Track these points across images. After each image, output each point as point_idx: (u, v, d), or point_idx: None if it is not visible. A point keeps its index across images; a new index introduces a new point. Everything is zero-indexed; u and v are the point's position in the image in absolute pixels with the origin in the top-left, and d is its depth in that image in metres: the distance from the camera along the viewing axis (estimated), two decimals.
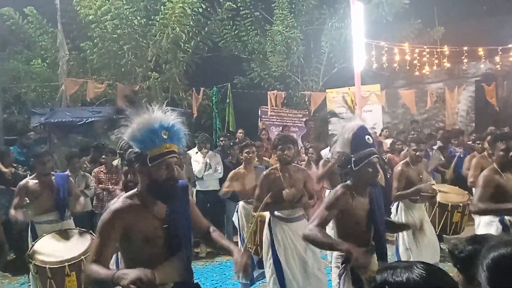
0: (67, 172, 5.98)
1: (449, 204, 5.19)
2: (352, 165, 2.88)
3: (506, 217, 3.98)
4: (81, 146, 8.36)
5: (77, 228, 4.65)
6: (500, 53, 10.58)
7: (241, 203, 5.35)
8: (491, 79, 12.08)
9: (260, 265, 4.87)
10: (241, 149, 5.58)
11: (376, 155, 2.91)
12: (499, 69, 11.19)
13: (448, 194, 5.45)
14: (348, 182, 2.98)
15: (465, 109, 13.27)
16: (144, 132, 2.16)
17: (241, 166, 5.48)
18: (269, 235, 4.28)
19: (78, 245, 4.13)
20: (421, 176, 4.93)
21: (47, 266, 3.83)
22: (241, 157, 5.50)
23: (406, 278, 1.22)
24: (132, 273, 1.93)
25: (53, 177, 5.01)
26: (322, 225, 2.85)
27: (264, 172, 4.41)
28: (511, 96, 12.19)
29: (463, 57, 10.25)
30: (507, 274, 1.32)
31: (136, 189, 2.28)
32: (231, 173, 5.47)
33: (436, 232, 5.18)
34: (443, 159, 8.17)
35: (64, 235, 4.34)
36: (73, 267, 3.88)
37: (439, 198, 5.22)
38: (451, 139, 8.64)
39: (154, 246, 2.21)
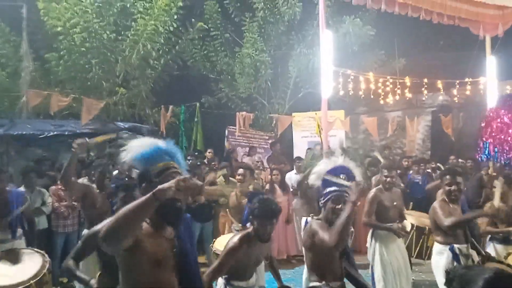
0: (22, 189, 5.75)
1: (427, 227, 5.24)
2: (321, 199, 3.13)
3: (456, 246, 4.25)
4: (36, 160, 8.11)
5: (29, 248, 4.37)
6: (457, 86, 11.21)
7: None
8: (447, 110, 12.73)
9: None
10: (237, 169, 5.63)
11: (341, 193, 3.04)
12: (456, 101, 11.82)
13: (421, 218, 5.60)
14: (320, 215, 3.16)
15: (422, 137, 13.88)
16: (147, 151, 2.25)
17: (237, 189, 5.47)
18: None
19: (27, 267, 3.86)
20: (395, 203, 5.06)
21: None
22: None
23: None
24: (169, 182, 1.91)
25: (7, 194, 4.79)
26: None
27: (232, 246, 3.42)
28: (466, 127, 12.88)
29: (423, 88, 10.77)
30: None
31: None
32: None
33: (412, 256, 5.32)
34: (402, 185, 8.48)
35: (13, 255, 4.04)
36: None
37: (415, 221, 5.36)
38: (412, 166, 9.00)
39: (164, 268, 2.16)
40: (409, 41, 12.97)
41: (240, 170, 5.43)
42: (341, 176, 3.08)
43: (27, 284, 3.65)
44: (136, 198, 1.99)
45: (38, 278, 3.73)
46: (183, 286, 2.24)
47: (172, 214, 2.16)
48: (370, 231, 5.14)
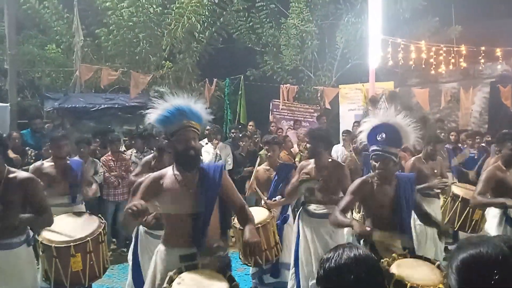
0: (78, 158, 6.01)
1: None
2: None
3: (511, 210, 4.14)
4: (93, 132, 8.43)
5: (88, 211, 4.67)
6: None
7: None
8: (507, 80, 11.92)
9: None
10: (264, 145, 5.59)
11: (377, 152, 3.19)
12: None
13: (470, 191, 5.37)
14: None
15: (479, 110, 13.12)
16: (163, 113, 2.66)
17: (266, 163, 5.39)
18: None
19: (85, 227, 4.10)
20: (435, 171, 5.08)
21: (53, 245, 3.77)
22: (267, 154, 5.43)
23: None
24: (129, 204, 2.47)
25: (67, 162, 5.08)
26: (344, 209, 3.25)
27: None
28: None
29: (479, 57, 10.11)
30: (476, 275, 1.30)
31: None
32: (255, 171, 5.37)
33: (455, 228, 5.14)
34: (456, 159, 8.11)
35: (74, 216, 4.33)
36: (79, 248, 3.83)
37: (462, 193, 5.15)
38: (466, 140, 8.58)
39: (181, 205, 2.65)
40: (466, 7, 12.11)
41: (267, 144, 5.31)
42: (378, 137, 3.17)
43: (84, 241, 3.87)
44: None
45: (95, 236, 3.97)
46: (196, 223, 2.65)
47: (185, 161, 2.68)
48: None
